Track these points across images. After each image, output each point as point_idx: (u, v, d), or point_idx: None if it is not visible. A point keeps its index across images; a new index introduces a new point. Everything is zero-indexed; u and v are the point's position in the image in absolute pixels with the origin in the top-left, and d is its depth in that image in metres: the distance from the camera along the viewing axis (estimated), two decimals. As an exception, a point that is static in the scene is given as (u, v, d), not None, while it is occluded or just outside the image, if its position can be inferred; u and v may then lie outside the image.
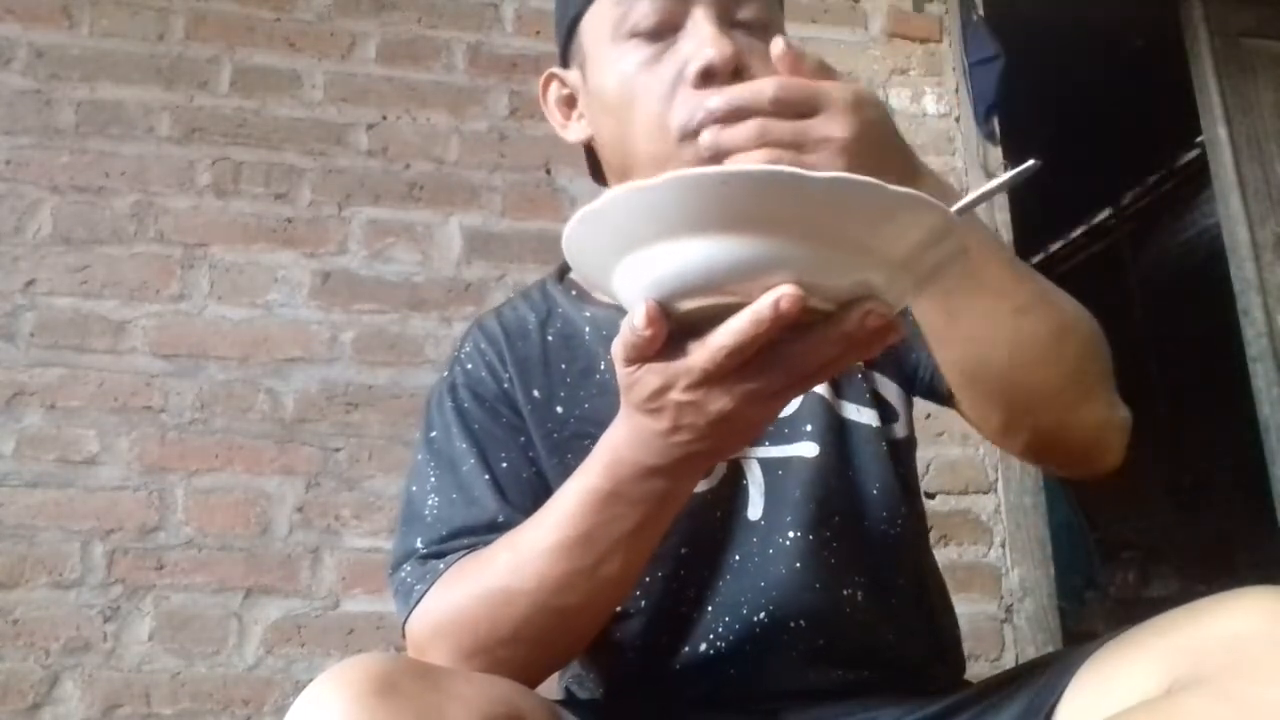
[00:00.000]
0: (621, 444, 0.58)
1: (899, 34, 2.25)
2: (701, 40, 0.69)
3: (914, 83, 2.22)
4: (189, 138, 1.90)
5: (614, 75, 0.73)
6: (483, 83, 2.04)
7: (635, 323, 0.48)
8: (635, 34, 0.72)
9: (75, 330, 1.77)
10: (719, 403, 0.50)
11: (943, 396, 0.82)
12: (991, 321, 0.68)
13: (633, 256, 0.47)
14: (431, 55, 2.04)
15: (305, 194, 1.91)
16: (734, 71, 0.68)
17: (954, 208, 0.49)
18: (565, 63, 0.82)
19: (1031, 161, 0.53)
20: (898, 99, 2.20)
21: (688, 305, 0.48)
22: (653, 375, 0.51)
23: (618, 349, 0.51)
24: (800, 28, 2.18)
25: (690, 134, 0.67)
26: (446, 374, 0.85)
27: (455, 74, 2.04)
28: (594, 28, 0.76)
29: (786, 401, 0.52)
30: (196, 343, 1.80)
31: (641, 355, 0.50)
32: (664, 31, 0.71)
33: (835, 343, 0.48)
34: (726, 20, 0.71)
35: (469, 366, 0.83)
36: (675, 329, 0.49)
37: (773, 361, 0.48)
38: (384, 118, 1.98)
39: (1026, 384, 0.70)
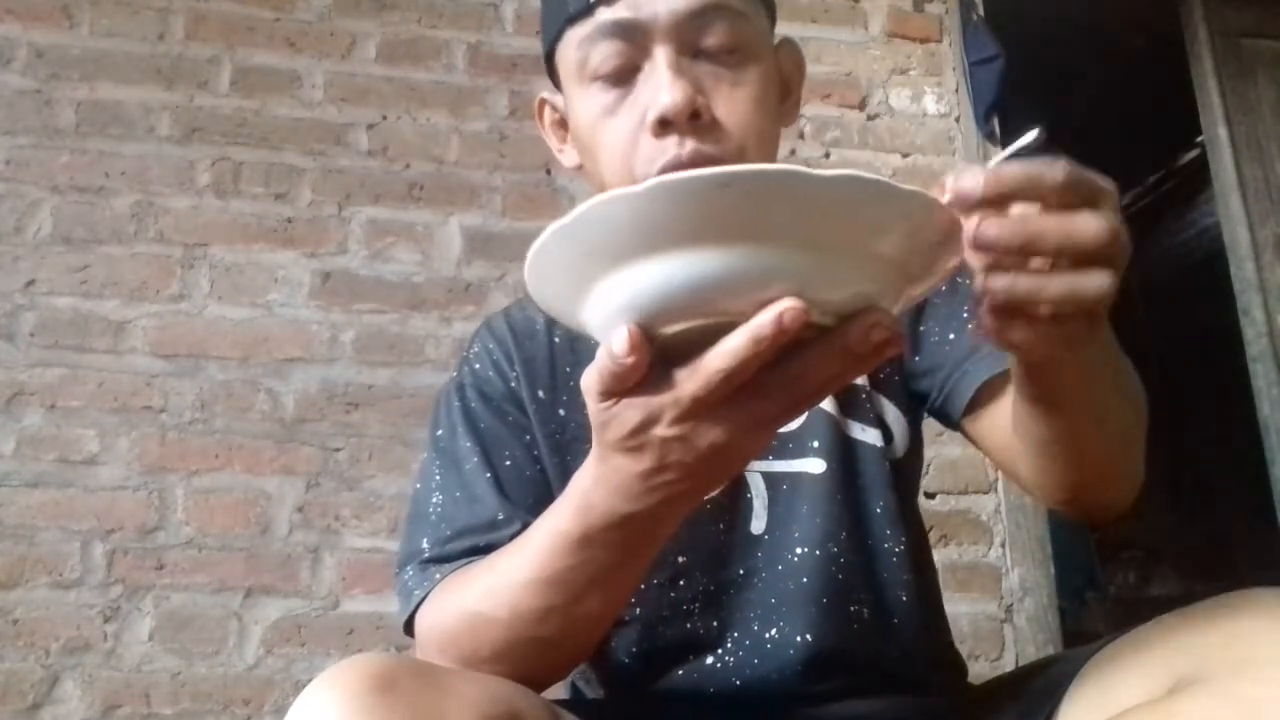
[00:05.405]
0: (592, 487, 0.53)
1: (899, 34, 2.25)
2: (657, 87, 0.67)
3: (914, 83, 2.22)
4: (189, 138, 1.90)
5: (583, 117, 0.73)
6: (483, 83, 2.04)
7: (615, 349, 0.43)
8: (597, 78, 0.71)
9: (75, 330, 1.77)
10: (710, 435, 0.46)
11: (954, 421, 0.81)
12: (1108, 378, 0.59)
13: (610, 275, 0.42)
14: (431, 55, 2.04)
15: (305, 194, 1.91)
16: (693, 114, 0.67)
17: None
18: (556, 84, 0.81)
19: (1035, 131, 0.49)
20: (898, 99, 2.20)
21: (672, 329, 0.43)
22: (632, 410, 0.46)
23: (591, 381, 0.46)
24: (800, 28, 2.18)
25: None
26: (455, 374, 0.85)
27: (455, 74, 2.04)
28: (563, 66, 0.75)
29: (779, 427, 0.49)
30: (196, 343, 1.80)
31: (621, 386, 0.45)
32: (625, 74, 0.70)
33: (836, 359, 0.44)
34: (689, 52, 0.69)
35: (477, 366, 0.84)
36: (655, 357, 0.44)
37: (767, 385, 0.44)
38: (384, 118, 1.98)
39: (1128, 437, 0.64)
